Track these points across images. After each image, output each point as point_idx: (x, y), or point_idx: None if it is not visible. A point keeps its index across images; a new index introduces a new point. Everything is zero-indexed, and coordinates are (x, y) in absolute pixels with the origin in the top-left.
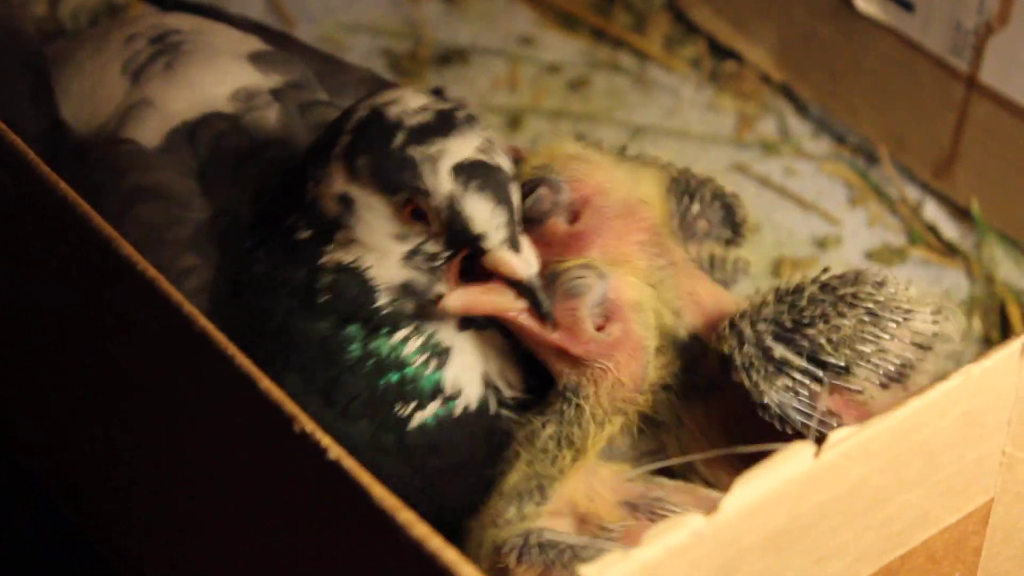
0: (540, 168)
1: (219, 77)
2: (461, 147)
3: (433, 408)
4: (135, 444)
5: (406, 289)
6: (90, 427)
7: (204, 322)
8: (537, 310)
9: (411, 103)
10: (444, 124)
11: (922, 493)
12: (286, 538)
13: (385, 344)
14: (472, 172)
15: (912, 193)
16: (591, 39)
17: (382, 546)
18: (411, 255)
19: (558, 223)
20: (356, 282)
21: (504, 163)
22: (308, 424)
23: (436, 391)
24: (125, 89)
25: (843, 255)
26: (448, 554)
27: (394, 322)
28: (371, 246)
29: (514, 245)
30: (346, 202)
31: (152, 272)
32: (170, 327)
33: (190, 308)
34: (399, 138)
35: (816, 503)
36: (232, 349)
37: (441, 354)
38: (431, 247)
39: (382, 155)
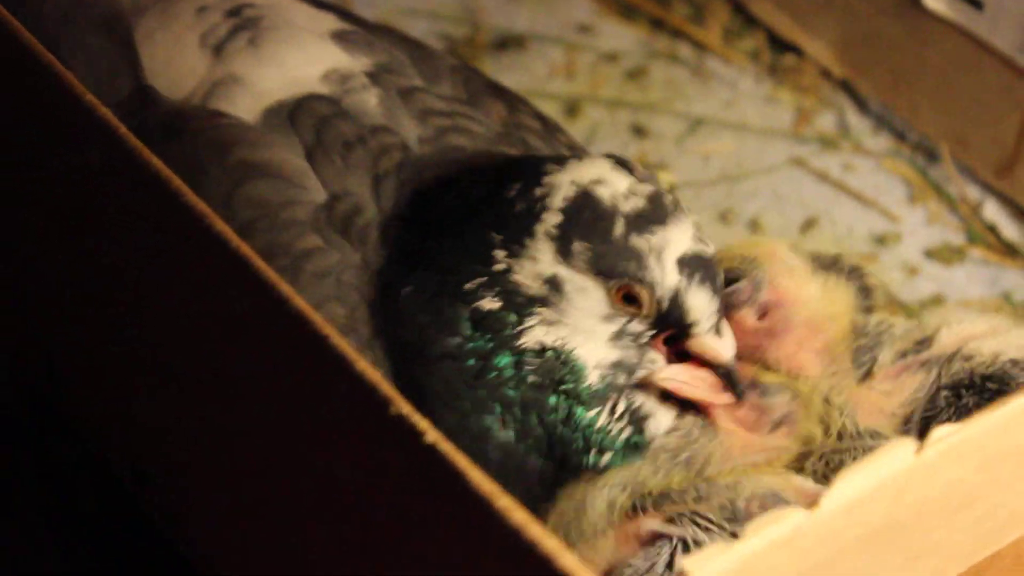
0: (748, 261)
1: (307, 56)
2: (681, 237)
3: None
4: (211, 426)
5: (618, 366)
6: (162, 408)
7: (299, 301)
8: (732, 390)
9: (618, 184)
10: (659, 211)
11: (1013, 494)
12: (377, 525)
13: (583, 412)
14: (695, 265)
15: (973, 192)
16: (649, 29)
17: (479, 532)
18: (618, 335)
19: (748, 317)
20: (565, 363)
21: (712, 249)
22: (404, 406)
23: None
24: (207, 64)
25: (902, 253)
26: (548, 542)
27: (601, 397)
28: (577, 327)
29: (718, 331)
30: (554, 284)
31: (245, 249)
32: (261, 306)
33: (284, 288)
34: (619, 226)
35: (913, 501)
36: (328, 329)
37: (641, 420)
38: (636, 327)
39: (604, 244)
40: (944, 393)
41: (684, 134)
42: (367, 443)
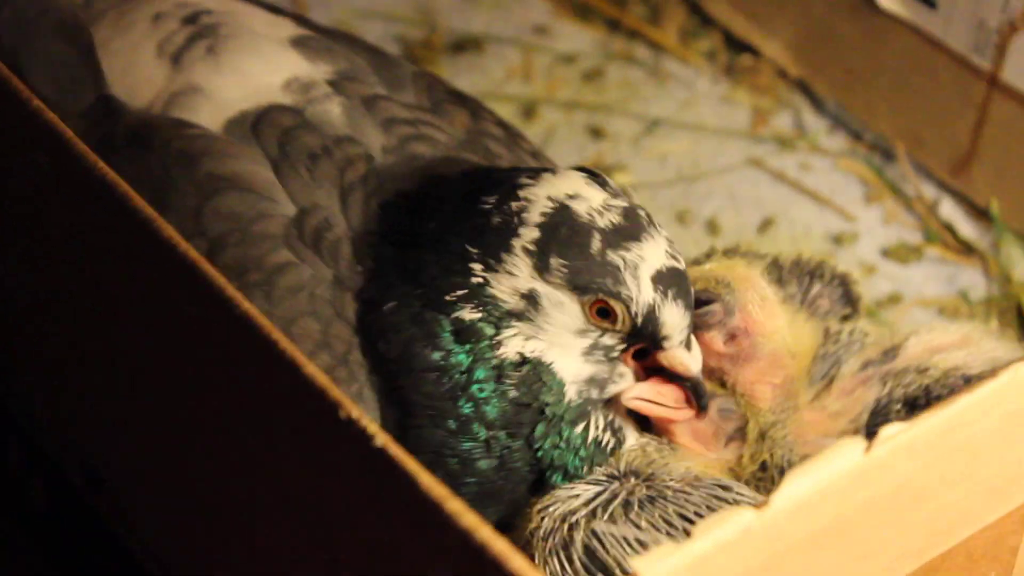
0: (722, 284)
1: (268, 64)
2: (656, 253)
3: None
4: (164, 429)
5: (591, 381)
6: (115, 411)
7: (248, 306)
8: (697, 401)
9: (593, 199)
10: (634, 227)
11: (964, 492)
12: (327, 528)
13: (569, 431)
14: (670, 280)
15: (929, 191)
16: (606, 30)
17: (429, 535)
18: (591, 349)
19: (716, 339)
20: (543, 379)
21: (683, 263)
22: (354, 410)
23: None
24: (166, 73)
25: (859, 252)
26: (497, 544)
27: (582, 412)
28: (553, 341)
29: (688, 345)
30: (532, 298)
31: (193, 254)
32: (211, 310)
33: (232, 292)
34: (596, 242)
35: (862, 500)
36: (276, 334)
37: (618, 431)
38: (608, 340)
39: (582, 259)
40: (896, 407)
41: (641, 135)
42: (318, 446)
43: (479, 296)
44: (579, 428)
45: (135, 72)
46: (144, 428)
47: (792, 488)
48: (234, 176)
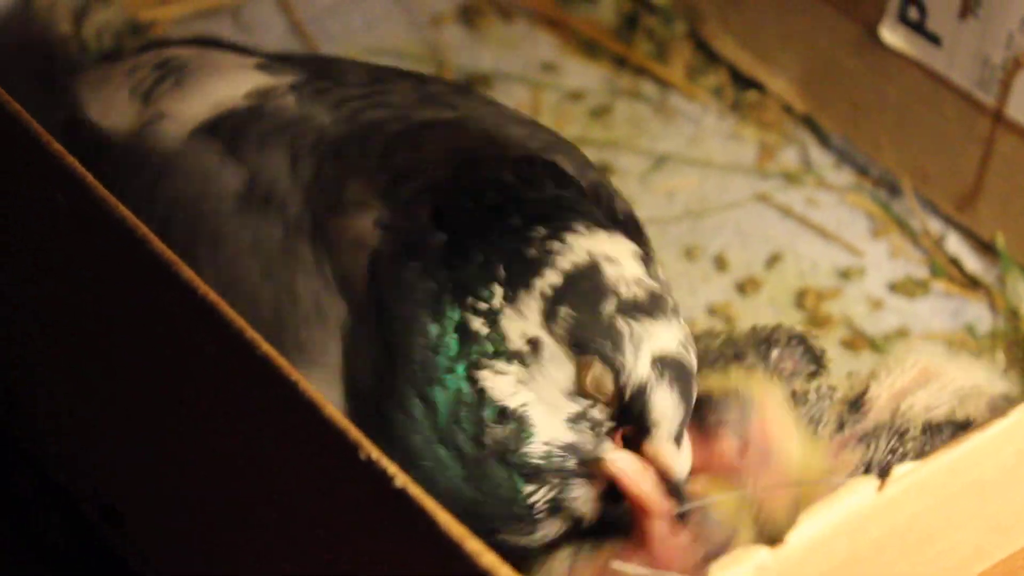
0: (739, 394)
1: (231, 83)
2: (667, 336)
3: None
4: (180, 464)
5: (569, 449)
6: (131, 446)
7: (267, 347)
8: (674, 498)
9: (629, 269)
10: (654, 307)
11: (973, 529)
12: (347, 566)
13: (523, 487)
14: (671, 368)
15: (935, 226)
16: (613, 67)
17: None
18: (577, 417)
19: (729, 446)
20: (520, 429)
21: (695, 363)
22: (374, 451)
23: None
24: (137, 110)
25: (866, 286)
26: None
27: (543, 478)
28: (543, 397)
29: (678, 440)
30: (534, 345)
31: (213, 297)
32: (230, 350)
33: (252, 334)
34: (610, 305)
35: (874, 538)
36: (296, 375)
37: (562, 517)
38: (597, 414)
39: (588, 316)
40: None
41: (648, 171)
42: (337, 485)
43: (491, 316)
44: (529, 487)
45: (112, 116)
46: (161, 462)
47: (807, 526)
48: (179, 165)
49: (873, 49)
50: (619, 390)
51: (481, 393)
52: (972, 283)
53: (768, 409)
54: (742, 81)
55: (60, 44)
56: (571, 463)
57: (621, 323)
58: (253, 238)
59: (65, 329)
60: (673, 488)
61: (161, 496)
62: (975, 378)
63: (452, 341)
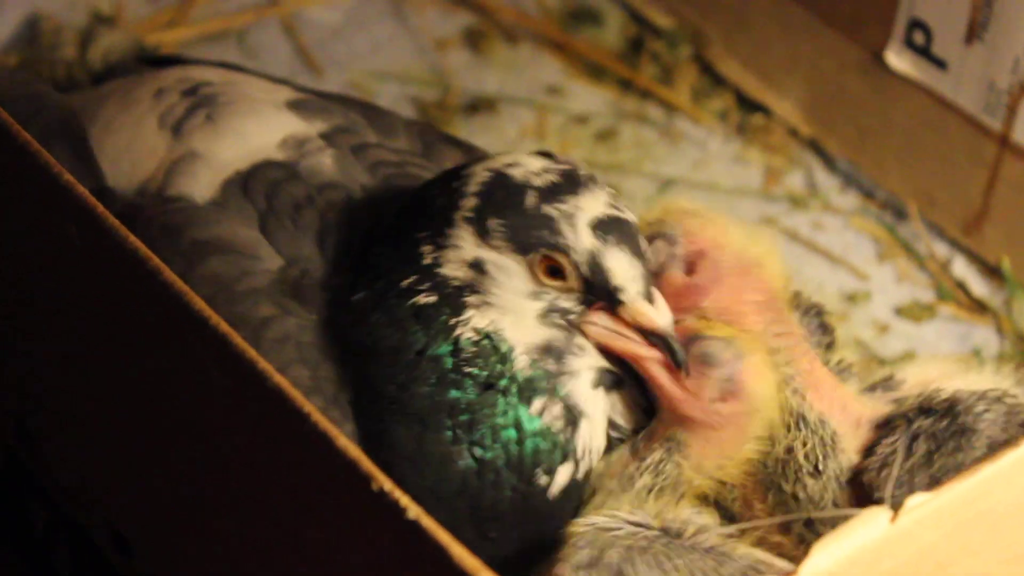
0: (654, 223)
1: (264, 126)
2: (593, 203)
3: (568, 472)
4: (191, 495)
5: (547, 349)
6: (142, 476)
7: (279, 379)
8: (672, 358)
9: (532, 164)
10: (571, 182)
11: (985, 559)
12: None
13: (525, 412)
14: (609, 227)
15: (941, 249)
16: (618, 90)
17: None
18: (547, 313)
19: (675, 275)
20: (497, 347)
21: (632, 216)
22: (386, 483)
23: (569, 457)
24: (167, 143)
25: (872, 310)
26: None
27: (535, 386)
28: (506, 308)
29: (649, 297)
30: (478, 267)
31: (224, 327)
32: (242, 383)
33: (264, 364)
34: (531, 198)
35: (888, 568)
36: (308, 407)
37: (575, 420)
38: (565, 302)
39: (517, 215)
40: (913, 418)
41: (654, 195)
42: (350, 517)
43: (431, 278)
44: (534, 410)
45: (138, 146)
46: (171, 491)
47: (819, 559)
48: (216, 240)
49: (879, 73)
50: (574, 270)
51: (458, 345)
52: (979, 307)
53: (689, 219)
54: (748, 104)
55: (65, 67)
56: (551, 364)
57: (548, 209)
58: (287, 326)
59: (77, 361)
60: (664, 343)
61: (171, 525)
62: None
63: (417, 332)
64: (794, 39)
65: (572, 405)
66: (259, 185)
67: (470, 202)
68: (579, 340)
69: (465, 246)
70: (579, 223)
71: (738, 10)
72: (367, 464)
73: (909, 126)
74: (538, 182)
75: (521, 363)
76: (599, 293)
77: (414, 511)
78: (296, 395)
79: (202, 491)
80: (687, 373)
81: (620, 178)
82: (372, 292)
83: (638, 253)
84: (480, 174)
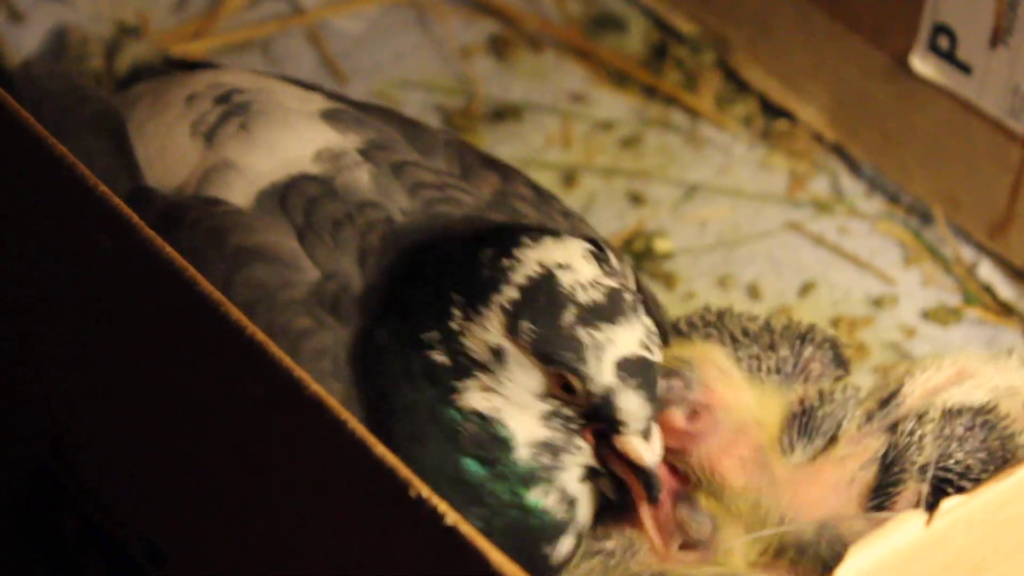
0: (681, 360)
1: (299, 137)
2: (626, 338)
3: (569, 545)
4: (227, 505)
5: (545, 447)
6: (178, 485)
7: (316, 387)
8: (648, 493)
9: (583, 272)
10: (613, 307)
11: (1018, 564)
12: None
13: (527, 493)
14: (633, 369)
15: (967, 253)
16: (642, 96)
17: None
18: (550, 415)
19: (676, 416)
20: (497, 433)
21: (658, 356)
22: (424, 489)
23: (570, 530)
24: (200, 151)
25: (899, 315)
26: None
27: (534, 476)
28: (512, 399)
29: (647, 435)
30: (498, 354)
31: (260, 336)
32: (278, 391)
33: (300, 372)
34: (569, 314)
35: (922, 571)
36: (345, 414)
37: (572, 502)
38: (569, 412)
39: (550, 329)
40: (911, 459)
41: (680, 201)
42: (388, 525)
43: (452, 341)
44: (535, 492)
45: (170, 153)
46: (206, 501)
47: (853, 562)
48: (260, 247)
49: (903, 78)
50: (586, 395)
51: (461, 414)
52: (1005, 310)
53: (710, 369)
54: (772, 110)
55: (93, 79)
56: (547, 459)
57: (582, 333)
58: (325, 340)
59: (110, 372)
60: (645, 477)
61: (205, 534)
62: (1012, 379)
63: (426, 391)
64: (818, 45)
65: (568, 493)
66: (297, 199)
67: (511, 293)
68: (577, 440)
69: (492, 330)
70: (606, 358)
71: (761, 16)
72: (405, 471)
73: (934, 130)
74: (582, 298)
75: (521, 454)
76: (602, 418)
77: (452, 517)
78: (333, 403)
79: (237, 500)
80: (657, 505)
81: (645, 184)
82: (393, 335)
83: (652, 398)
84: (530, 266)
